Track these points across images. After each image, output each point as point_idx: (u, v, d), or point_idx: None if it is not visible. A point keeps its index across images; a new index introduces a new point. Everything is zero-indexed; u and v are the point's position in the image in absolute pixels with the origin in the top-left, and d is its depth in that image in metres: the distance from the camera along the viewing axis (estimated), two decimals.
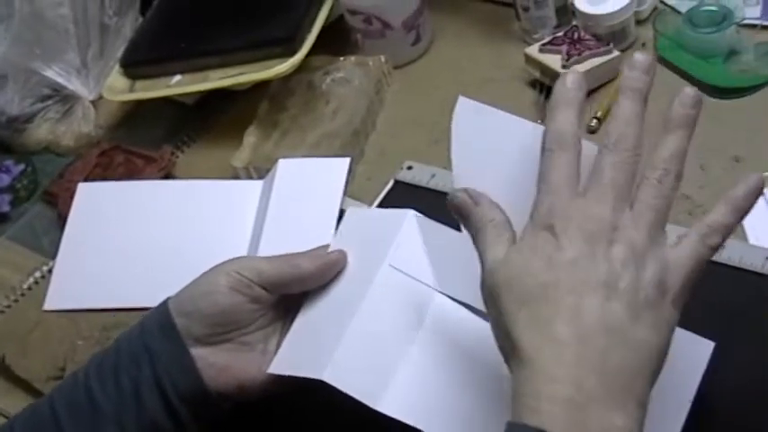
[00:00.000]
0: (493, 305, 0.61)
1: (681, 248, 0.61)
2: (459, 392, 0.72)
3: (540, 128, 0.67)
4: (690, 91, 0.63)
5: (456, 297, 0.76)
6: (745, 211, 0.63)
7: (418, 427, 0.70)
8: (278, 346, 0.77)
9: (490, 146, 0.72)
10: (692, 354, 0.71)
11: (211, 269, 0.77)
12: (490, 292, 0.61)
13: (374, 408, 0.70)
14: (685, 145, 0.62)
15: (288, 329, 0.78)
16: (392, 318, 0.74)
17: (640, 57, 0.64)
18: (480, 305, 0.66)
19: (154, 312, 0.77)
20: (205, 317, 0.74)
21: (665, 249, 0.60)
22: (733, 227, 0.62)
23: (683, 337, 0.71)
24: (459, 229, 0.71)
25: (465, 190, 0.66)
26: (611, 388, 0.55)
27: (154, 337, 0.74)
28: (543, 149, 0.63)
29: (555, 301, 0.57)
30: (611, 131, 0.62)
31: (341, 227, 0.83)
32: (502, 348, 0.61)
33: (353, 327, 0.73)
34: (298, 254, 0.78)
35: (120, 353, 0.75)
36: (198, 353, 0.74)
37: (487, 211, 0.64)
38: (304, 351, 0.76)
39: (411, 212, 0.79)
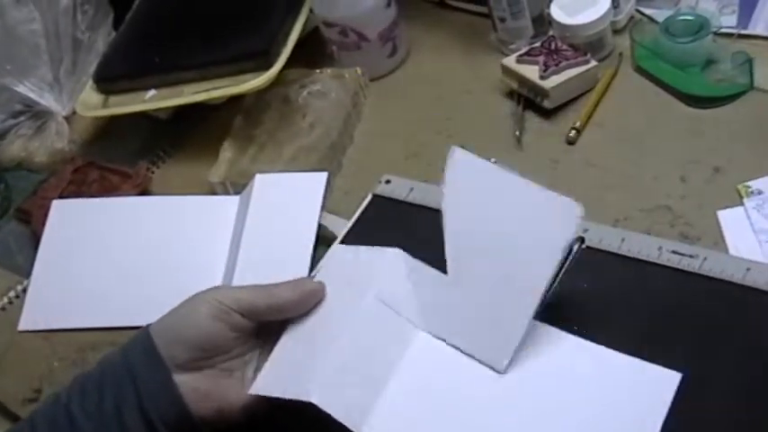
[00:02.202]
0: None
1: None
2: (440, 420, 0.74)
3: (532, 185, 0.74)
4: None
5: (436, 334, 0.79)
6: None
7: None
8: (256, 372, 0.78)
9: (481, 198, 0.78)
10: (658, 388, 0.72)
11: (192, 297, 0.77)
12: None
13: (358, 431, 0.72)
14: None
15: (266, 356, 0.78)
16: (377, 347, 0.76)
17: None
18: (459, 342, 0.76)
19: (136, 338, 0.76)
20: (187, 343, 0.75)
21: None
22: None
23: (648, 370, 0.73)
24: (443, 269, 0.78)
25: None
26: None
27: (137, 362, 0.74)
28: None
29: None
30: None
31: (325, 259, 0.86)
32: None
33: (339, 352, 0.75)
34: (278, 283, 0.79)
35: (103, 376, 0.75)
36: (180, 379, 0.74)
37: None
38: (288, 373, 0.76)
39: (398, 251, 0.81)
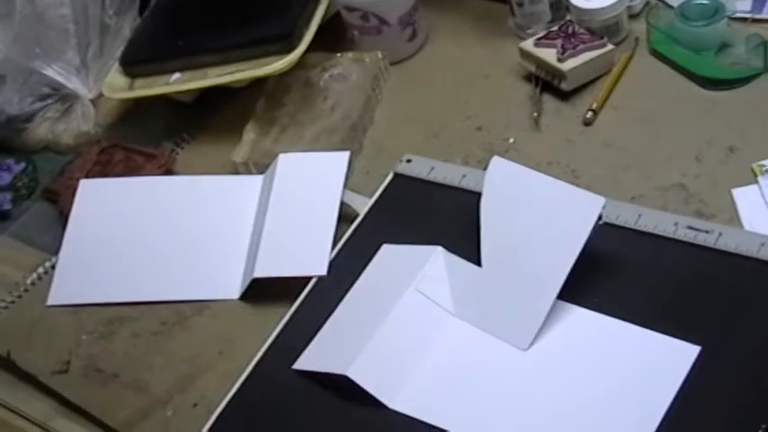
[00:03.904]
0: None
1: None
2: (466, 395, 0.79)
3: (559, 183, 0.81)
4: None
5: (468, 320, 0.84)
6: None
7: (428, 421, 0.77)
8: None
9: (514, 199, 0.84)
10: (676, 360, 0.75)
11: None
12: None
13: (389, 406, 0.78)
14: None
15: None
16: (413, 331, 0.82)
17: None
18: (487, 326, 0.81)
19: None
20: None
21: None
22: None
23: (667, 343, 0.76)
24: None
25: None
26: None
27: None
28: None
29: None
30: None
31: (376, 257, 0.91)
32: None
33: (378, 335, 0.82)
34: None
35: None
36: None
37: None
38: (329, 351, 0.84)
39: (439, 248, 0.86)
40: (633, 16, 1.09)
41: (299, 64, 1.09)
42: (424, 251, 0.87)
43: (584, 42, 1.03)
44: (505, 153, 0.98)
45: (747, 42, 0.99)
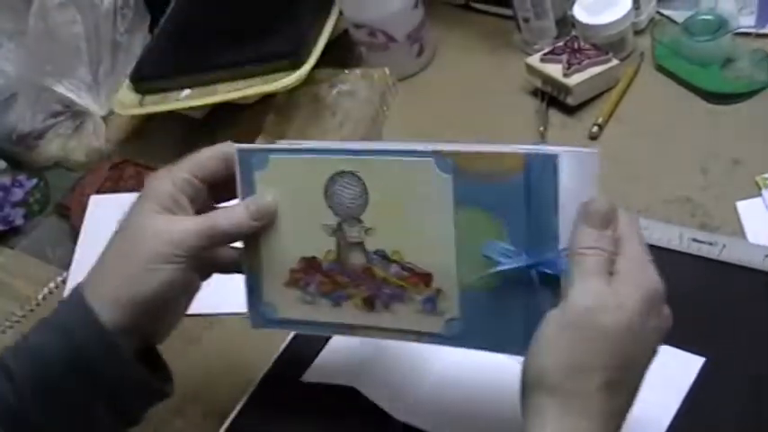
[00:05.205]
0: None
1: None
2: (479, 406, 0.79)
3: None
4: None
5: None
6: None
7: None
8: None
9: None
10: (680, 371, 0.76)
11: (129, 252, 0.72)
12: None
13: (398, 418, 0.78)
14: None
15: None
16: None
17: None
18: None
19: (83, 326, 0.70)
20: (133, 308, 0.71)
21: None
22: None
23: (671, 354, 0.75)
24: None
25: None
26: None
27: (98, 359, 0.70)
28: None
29: None
30: None
31: None
32: None
33: (386, 347, 0.82)
34: (223, 211, 0.74)
35: (54, 376, 0.70)
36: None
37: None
38: (338, 364, 0.85)
39: None
40: (638, 32, 1.10)
41: (308, 80, 1.10)
42: None
43: (589, 58, 1.04)
44: None
45: (751, 57, 1.00)
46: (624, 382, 0.61)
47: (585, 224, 0.63)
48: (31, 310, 1.05)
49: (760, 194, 0.89)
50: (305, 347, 0.88)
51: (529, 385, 0.61)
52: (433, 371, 0.82)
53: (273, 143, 0.76)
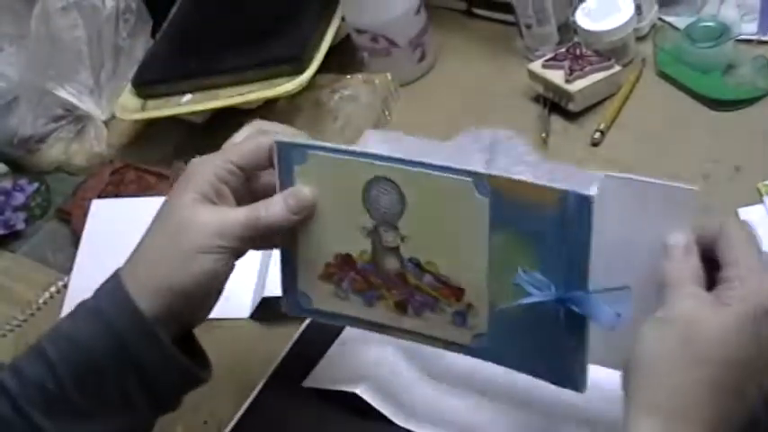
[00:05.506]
0: None
1: None
2: (483, 412, 0.79)
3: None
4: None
5: None
6: None
7: None
8: None
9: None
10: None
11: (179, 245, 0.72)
12: None
13: (400, 424, 0.78)
14: None
15: None
16: (424, 348, 0.78)
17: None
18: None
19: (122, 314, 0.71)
20: (174, 297, 0.71)
21: None
22: None
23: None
24: None
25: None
26: None
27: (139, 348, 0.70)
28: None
29: None
30: None
31: None
32: None
33: (388, 352, 0.82)
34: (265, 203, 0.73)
35: (93, 363, 0.70)
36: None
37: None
38: (340, 369, 0.84)
39: None
40: (640, 38, 1.10)
41: (310, 85, 1.11)
42: None
43: (591, 64, 1.04)
44: None
45: (753, 63, 1.00)
46: (731, 385, 0.60)
47: (668, 261, 0.64)
48: (32, 315, 1.05)
49: (762, 201, 0.89)
50: (306, 353, 0.88)
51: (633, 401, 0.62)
52: (439, 376, 0.82)
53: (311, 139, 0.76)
